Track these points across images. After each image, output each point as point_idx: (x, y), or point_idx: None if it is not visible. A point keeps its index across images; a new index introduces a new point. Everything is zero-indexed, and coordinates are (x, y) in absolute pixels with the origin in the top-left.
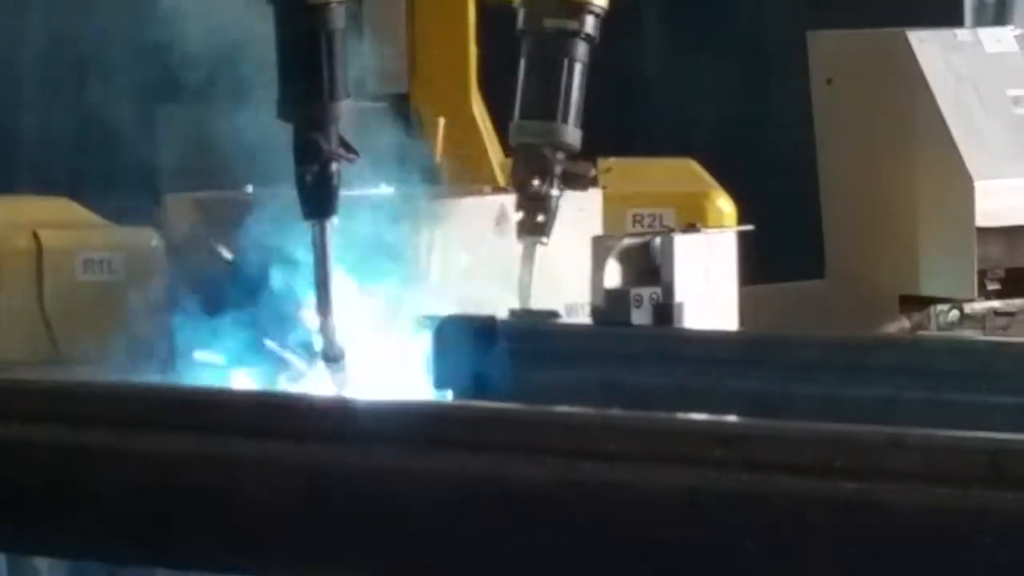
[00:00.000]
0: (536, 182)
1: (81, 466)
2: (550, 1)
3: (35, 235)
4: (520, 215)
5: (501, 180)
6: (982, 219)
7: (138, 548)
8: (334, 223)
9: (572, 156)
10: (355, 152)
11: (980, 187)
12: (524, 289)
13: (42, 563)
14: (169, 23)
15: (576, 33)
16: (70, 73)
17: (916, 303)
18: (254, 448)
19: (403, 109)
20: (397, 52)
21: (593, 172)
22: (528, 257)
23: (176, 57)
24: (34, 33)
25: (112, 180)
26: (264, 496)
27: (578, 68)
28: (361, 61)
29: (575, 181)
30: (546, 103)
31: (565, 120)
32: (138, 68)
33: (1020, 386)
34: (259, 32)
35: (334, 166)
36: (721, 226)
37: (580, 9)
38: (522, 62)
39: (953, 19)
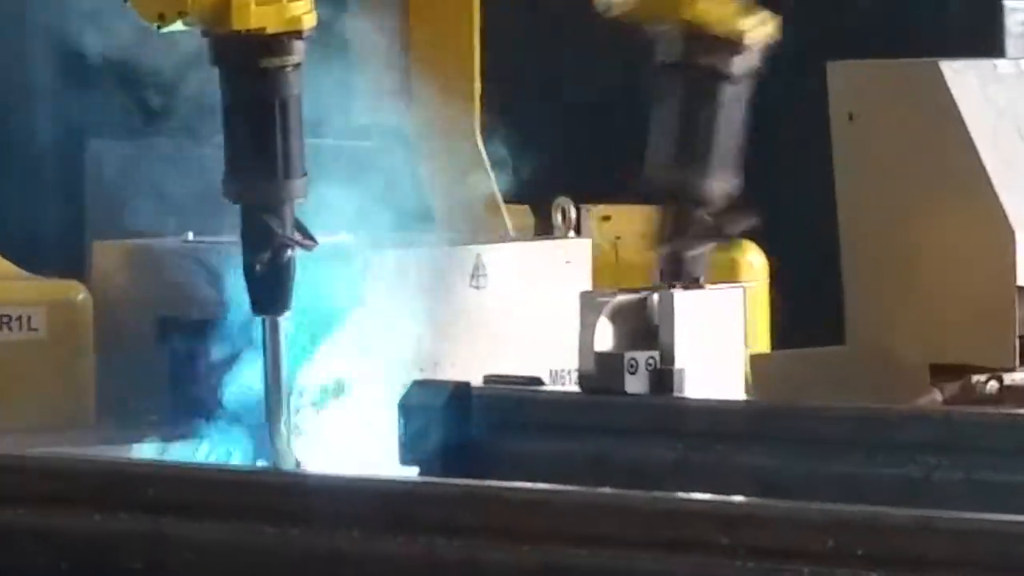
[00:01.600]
0: (685, 239)
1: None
2: (706, 36)
3: None
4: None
5: (509, 224)
6: None
7: None
8: (286, 319)
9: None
10: (312, 239)
11: (1023, 239)
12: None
13: None
14: (97, 62)
15: (735, 74)
16: None
17: (948, 372)
18: (189, 528)
19: (398, 143)
20: (393, 79)
21: (748, 222)
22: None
23: (109, 95)
24: None
25: (35, 228)
26: None
27: (735, 110)
28: (350, 91)
29: (723, 233)
30: (695, 149)
31: (720, 168)
32: (65, 105)
33: None
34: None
35: (289, 254)
36: (752, 282)
37: (738, 46)
38: (667, 99)
39: (991, 49)
